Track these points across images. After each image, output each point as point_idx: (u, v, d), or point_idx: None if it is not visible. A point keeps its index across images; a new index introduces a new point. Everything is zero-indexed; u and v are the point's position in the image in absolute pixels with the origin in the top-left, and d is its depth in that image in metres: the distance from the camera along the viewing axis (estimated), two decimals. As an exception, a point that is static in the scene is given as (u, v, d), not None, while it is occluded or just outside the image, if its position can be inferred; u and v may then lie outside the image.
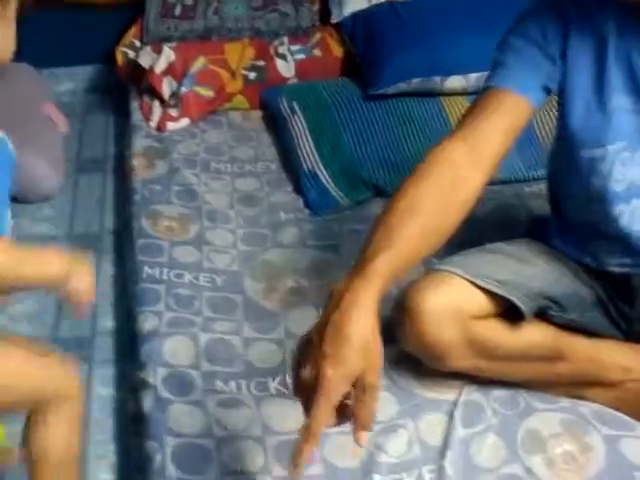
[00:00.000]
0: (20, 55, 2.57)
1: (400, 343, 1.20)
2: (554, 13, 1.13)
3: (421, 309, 1.11)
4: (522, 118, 1.12)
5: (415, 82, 1.93)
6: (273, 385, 1.29)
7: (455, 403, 1.21)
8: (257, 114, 2.16)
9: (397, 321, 1.17)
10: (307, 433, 0.83)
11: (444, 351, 1.14)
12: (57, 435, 1.05)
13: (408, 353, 1.22)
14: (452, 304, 1.12)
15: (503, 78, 1.12)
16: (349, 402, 0.86)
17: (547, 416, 1.20)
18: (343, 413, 0.87)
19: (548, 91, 1.16)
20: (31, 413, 1.04)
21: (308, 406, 0.85)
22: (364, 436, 0.86)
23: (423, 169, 1.04)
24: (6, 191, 1.02)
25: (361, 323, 0.86)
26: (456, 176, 1.04)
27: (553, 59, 1.13)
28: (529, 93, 1.12)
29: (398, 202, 1.01)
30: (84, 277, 0.99)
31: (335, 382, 0.83)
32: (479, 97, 1.15)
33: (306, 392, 0.86)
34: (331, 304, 0.89)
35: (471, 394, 1.23)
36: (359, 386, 0.85)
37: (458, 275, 1.14)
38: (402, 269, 0.96)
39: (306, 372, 0.87)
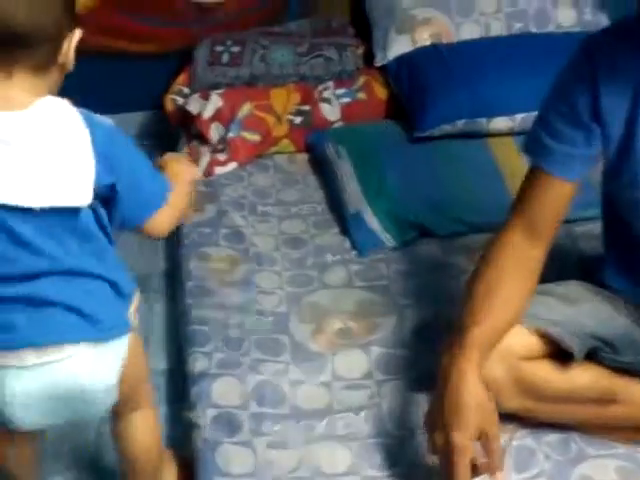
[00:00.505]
0: (74, 102, 2.68)
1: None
2: (579, 81, 1.14)
3: None
4: (570, 194, 1.19)
5: (460, 124, 1.94)
6: (320, 427, 1.30)
7: (506, 447, 1.19)
8: (303, 157, 2.19)
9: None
10: None
11: (492, 390, 1.14)
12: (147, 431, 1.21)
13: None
14: (502, 343, 1.13)
15: (547, 162, 1.17)
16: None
17: (601, 463, 1.17)
18: (474, 466, 1.05)
19: (593, 160, 1.19)
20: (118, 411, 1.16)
21: (447, 468, 1.05)
22: (500, 476, 1.06)
23: (493, 256, 1.19)
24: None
25: (472, 391, 1.05)
26: (522, 257, 1.17)
27: (588, 128, 1.14)
28: (574, 177, 1.17)
29: (478, 285, 1.16)
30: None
31: (464, 445, 1.03)
32: (529, 176, 1.21)
33: (442, 455, 1.07)
34: (442, 380, 1.09)
35: (523, 438, 1.22)
36: (484, 439, 1.04)
37: None
38: (496, 338, 1.12)
39: (438, 439, 1.06)
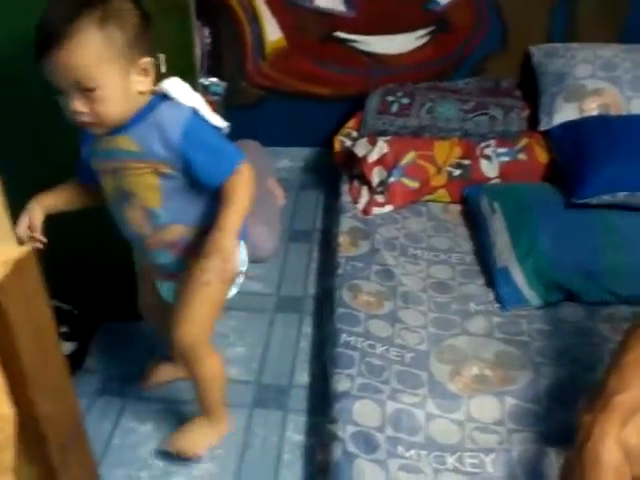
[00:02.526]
0: (251, 134, 2.95)
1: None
2: None
3: None
4: None
5: (621, 195, 1.94)
6: (450, 460, 1.38)
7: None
8: (456, 208, 2.29)
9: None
10: None
11: (627, 456, 1.17)
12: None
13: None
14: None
15: None
16: None
17: None
18: None
19: None
20: None
21: None
22: None
23: None
24: None
25: (611, 453, 1.08)
26: None
27: None
28: None
29: (627, 356, 1.19)
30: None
31: None
32: None
33: None
34: (582, 438, 1.11)
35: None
36: None
37: None
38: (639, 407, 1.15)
39: None
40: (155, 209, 1.27)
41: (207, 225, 1.27)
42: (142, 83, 1.18)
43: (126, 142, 1.21)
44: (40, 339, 0.44)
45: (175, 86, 1.22)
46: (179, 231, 1.32)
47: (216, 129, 1.25)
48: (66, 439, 0.49)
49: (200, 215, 1.30)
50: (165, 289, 1.48)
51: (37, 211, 1.31)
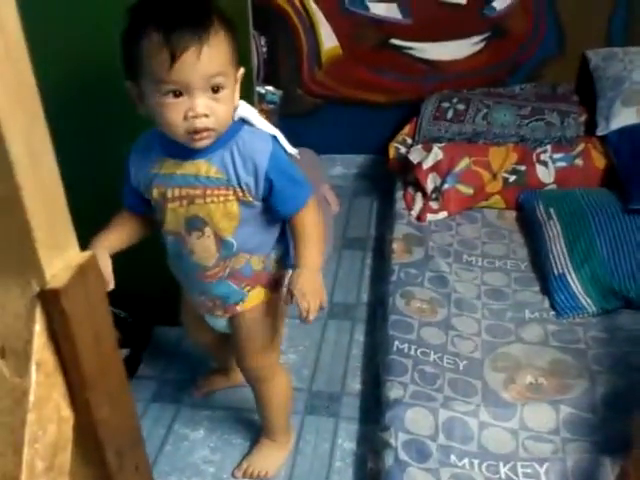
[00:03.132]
0: (306, 142, 2.99)
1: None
2: None
3: None
4: None
5: None
6: (504, 470, 1.37)
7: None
8: (511, 214, 2.28)
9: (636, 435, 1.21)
10: None
11: None
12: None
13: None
14: None
15: None
16: None
17: None
18: None
19: None
20: None
21: None
22: None
23: None
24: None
25: None
26: None
27: None
28: None
29: None
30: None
31: None
32: None
33: None
34: (638, 444, 1.06)
35: None
36: None
37: None
38: None
39: None
40: (229, 238, 1.25)
41: (267, 253, 1.31)
42: (237, 95, 1.17)
43: (207, 167, 1.18)
44: (100, 344, 0.47)
45: (249, 111, 1.21)
46: (244, 260, 1.30)
47: (290, 156, 1.26)
48: (123, 444, 0.51)
49: (264, 244, 1.31)
50: (218, 322, 1.44)
51: (104, 258, 1.25)
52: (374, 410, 1.63)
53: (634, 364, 1.61)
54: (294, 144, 2.87)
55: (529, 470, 1.37)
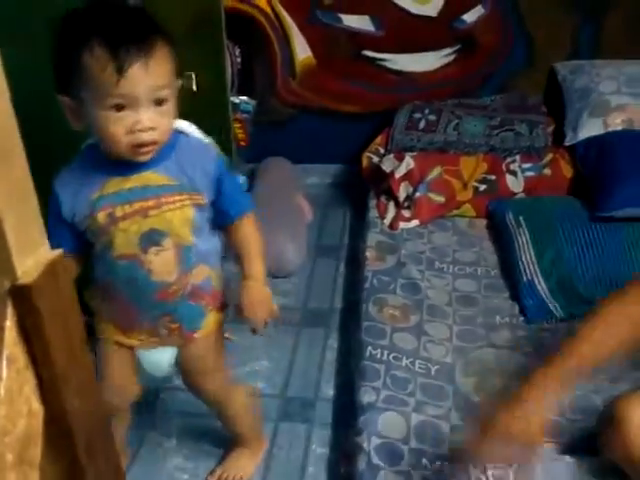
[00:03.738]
0: (280, 151, 2.99)
1: (605, 454, 1.26)
2: None
3: (629, 421, 1.16)
4: None
5: None
6: (474, 473, 1.38)
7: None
8: (482, 222, 2.31)
9: (602, 431, 1.24)
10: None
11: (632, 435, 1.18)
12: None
13: (612, 464, 1.26)
14: None
15: None
16: None
17: None
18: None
19: None
20: None
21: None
22: None
23: (603, 310, 1.21)
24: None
25: (521, 423, 1.10)
26: (630, 313, 1.17)
27: None
28: None
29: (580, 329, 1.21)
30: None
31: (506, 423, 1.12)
32: None
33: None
34: (510, 399, 1.14)
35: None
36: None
37: None
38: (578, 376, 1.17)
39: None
40: (188, 246, 1.22)
41: (219, 268, 1.31)
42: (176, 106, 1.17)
43: (156, 177, 1.17)
44: (70, 338, 0.48)
45: (181, 121, 1.21)
46: (204, 274, 1.28)
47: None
48: (93, 436, 0.53)
49: (214, 254, 1.29)
50: (164, 358, 1.36)
51: None
52: (347, 415, 1.64)
53: (600, 368, 1.64)
54: (269, 153, 2.93)
55: (499, 472, 1.38)
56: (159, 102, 1.10)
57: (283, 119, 2.79)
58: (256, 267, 1.27)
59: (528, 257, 1.96)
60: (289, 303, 2.18)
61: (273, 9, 2.61)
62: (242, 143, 2.62)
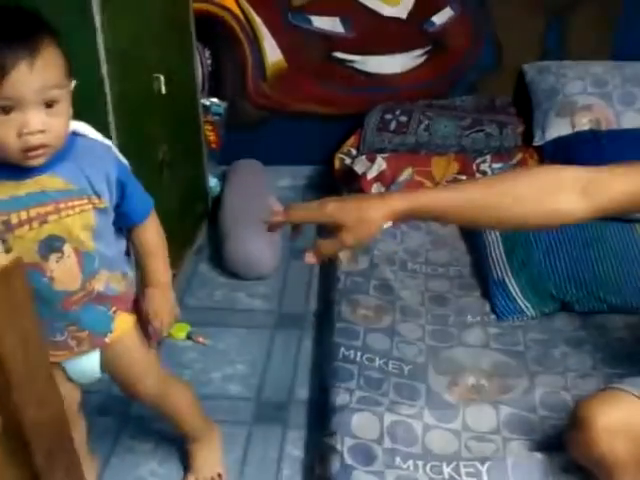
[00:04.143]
0: (252, 153, 2.99)
1: (570, 453, 1.28)
2: None
3: (593, 421, 1.17)
4: None
5: None
6: (447, 470, 1.40)
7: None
8: (454, 222, 2.32)
9: (568, 430, 1.25)
10: None
11: (613, 466, 1.18)
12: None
13: (578, 464, 1.28)
14: (624, 420, 1.17)
15: None
16: None
17: None
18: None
19: None
20: None
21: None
22: None
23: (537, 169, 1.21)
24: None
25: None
26: (559, 190, 1.17)
27: None
28: None
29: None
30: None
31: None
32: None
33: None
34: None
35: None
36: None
37: (634, 395, 1.20)
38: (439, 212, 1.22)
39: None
40: (90, 252, 1.18)
41: (124, 272, 1.27)
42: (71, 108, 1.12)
43: (53, 181, 1.11)
44: (26, 347, 0.48)
45: (78, 123, 1.17)
46: (104, 279, 1.23)
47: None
48: (53, 446, 0.52)
49: (118, 259, 1.27)
50: (88, 365, 1.32)
51: None
52: (322, 417, 1.64)
53: (571, 365, 1.67)
54: (240, 156, 2.92)
55: (471, 469, 1.40)
56: (49, 104, 1.05)
57: (254, 121, 2.79)
58: (159, 271, 1.28)
59: (498, 256, 1.98)
60: (263, 306, 2.18)
61: (243, 11, 2.61)
62: (213, 146, 2.61)
